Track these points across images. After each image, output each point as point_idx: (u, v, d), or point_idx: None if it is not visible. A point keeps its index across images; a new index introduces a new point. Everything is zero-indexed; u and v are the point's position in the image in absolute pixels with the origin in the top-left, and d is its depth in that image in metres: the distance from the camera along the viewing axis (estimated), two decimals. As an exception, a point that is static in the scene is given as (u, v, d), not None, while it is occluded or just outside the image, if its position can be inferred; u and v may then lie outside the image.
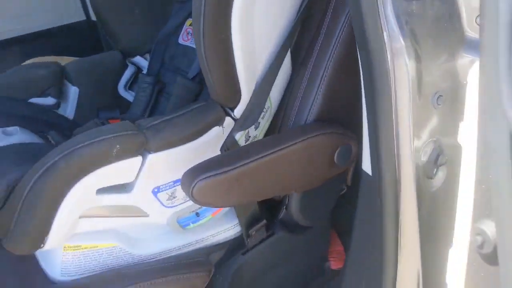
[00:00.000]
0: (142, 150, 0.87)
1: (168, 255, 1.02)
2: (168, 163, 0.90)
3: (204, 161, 0.87)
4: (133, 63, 1.29)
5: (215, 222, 1.07)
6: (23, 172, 0.82)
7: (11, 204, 0.81)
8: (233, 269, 1.09)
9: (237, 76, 0.87)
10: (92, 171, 0.81)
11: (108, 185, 0.86)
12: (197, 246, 1.06)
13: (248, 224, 1.07)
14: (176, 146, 0.89)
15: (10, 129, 0.99)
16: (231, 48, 0.83)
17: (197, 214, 1.04)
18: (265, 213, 1.09)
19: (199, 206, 1.03)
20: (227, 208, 1.07)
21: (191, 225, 1.03)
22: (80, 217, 0.88)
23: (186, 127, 0.88)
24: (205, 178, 0.83)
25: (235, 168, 0.86)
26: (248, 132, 0.99)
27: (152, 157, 0.87)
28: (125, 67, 1.28)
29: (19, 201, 0.79)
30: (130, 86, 1.29)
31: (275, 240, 1.13)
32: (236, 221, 1.07)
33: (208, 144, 0.93)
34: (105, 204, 0.89)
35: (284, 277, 1.19)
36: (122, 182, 0.87)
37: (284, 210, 1.10)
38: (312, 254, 1.24)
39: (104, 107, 1.22)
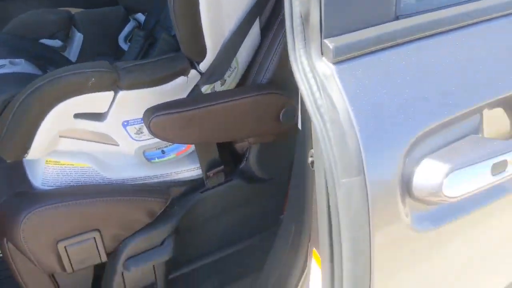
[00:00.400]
0: (115, 86, 1.04)
1: (135, 183, 1.20)
2: (137, 102, 1.07)
3: (165, 102, 1.04)
4: (135, 19, 1.46)
5: (179, 161, 1.24)
6: (18, 92, 1.01)
7: (5, 115, 1.01)
8: (190, 203, 1.26)
9: (202, 33, 1.03)
10: (70, 97, 0.99)
11: (84, 111, 1.04)
12: (161, 179, 1.23)
13: (208, 167, 1.24)
14: (143, 87, 1.06)
15: (16, 60, 1.18)
16: (197, 4, 0.98)
17: (163, 152, 1.21)
18: (228, 163, 1.25)
19: (166, 145, 1.20)
20: (190, 150, 1.23)
21: (156, 159, 1.21)
22: (60, 136, 1.07)
23: (153, 72, 1.05)
24: (161, 114, 1.00)
25: (189, 110, 1.02)
26: (214, 87, 1.15)
27: (122, 94, 1.05)
28: (127, 21, 1.45)
29: (10, 114, 0.99)
30: (130, 39, 1.46)
31: (232, 185, 1.29)
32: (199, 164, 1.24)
33: (173, 91, 1.09)
34: (81, 128, 1.07)
35: (238, 222, 1.36)
36: (96, 111, 1.05)
37: (244, 161, 1.26)
38: (268, 205, 1.39)
39: (103, 54, 1.39)
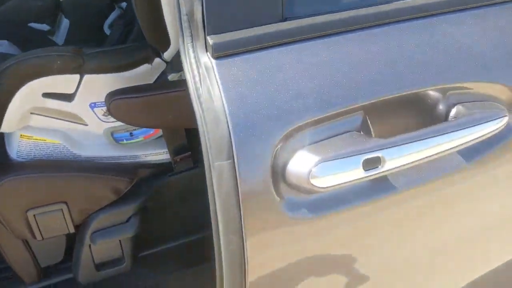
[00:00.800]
0: (81, 70, 1.11)
1: (103, 161, 1.28)
2: (102, 86, 1.15)
3: (127, 87, 1.11)
4: (120, 7, 1.54)
5: (147, 144, 1.32)
6: (-6, 71, 1.10)
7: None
8: (157, 184, 1.34)
9: (164, 22, 1.08)
10: (37, 77, 1.08)
11: (51, 91, 1.12)
12: (130, 160, 1.31)
13: (175, 152, 1.31)
14: (107, 72, 1.13)
15: (1, 42, 1.27)
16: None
17: (131, 134, 1.29)
18: (197, 149, 1.31)
19: (134, 128, 1.27)
20: (159, 135, 1.31)
21: (125, 141, 1.28)
22: (31, 113, 1.15)
23: (117, 58, 1.12)
24: (120, 98, 1.07)
25: (148, 95, 1.09)
26: (181, 75, 1.21)
27: (88, 77, 1.12)
28: (112, 9, 1.53)
29: (-16, 90, 1.07)
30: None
31: (199, 172, 1.35)
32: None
33: (138, 78, 1.16)
34: (50, 107, 1.15)
35: (204, 208, 1.43)
36: (63, 92, 1.13)
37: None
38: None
39: (88, 40, 1.47)
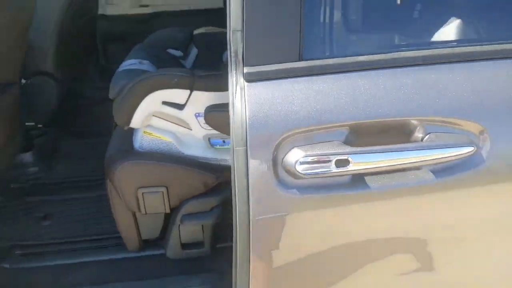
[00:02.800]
0: (191, 87, 1.57)
1: (200, 160, 1.72)
2: (205, 100, 1.60)
3: (221, 103, 1.53)
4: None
5: (236, 152, 1.73)
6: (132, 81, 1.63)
7: (120, 95, 1.62)
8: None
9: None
10: (160, 89, 1.57)
11: (168, 101, 1.60)
12: (220, 162, 1.73)
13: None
14: (210, 91, 1.57)
15: (144, 61, 1.82)
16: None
17: (224, 141, 1.71)
18: None
19: (227, 136, 1.70)
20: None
21: (218, 146, 1.72)
22: (153, 115, 1.64)
23: (218, 81, 1.56)
24: (213, 111, 1.51)
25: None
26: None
27: (195, 93, 1.59)
28: (230, 43, 2.01)
29: (123, 94, 1.59)
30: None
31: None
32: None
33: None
34: (167, 112, 1.63)
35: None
36: (177, 102, 1.61)
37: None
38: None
39: (209, 65, 1.96)
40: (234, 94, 0.95)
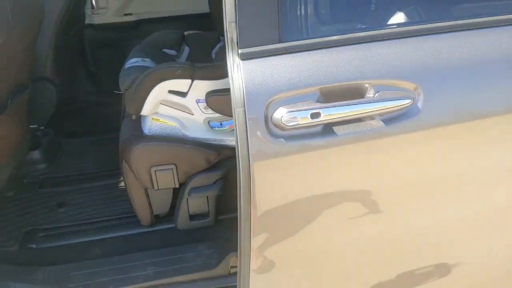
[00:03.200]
0: (192, 77, 1.92)
1: (201, 141, 2.06)
2: (205, 88, 1.94)
3: (220, 88, 1.88)
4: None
5: (232, 133, 2.07)
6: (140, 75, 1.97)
7: (131, 87, 1.96)
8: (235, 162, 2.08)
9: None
10: (166, 80, 1.92)
11: (173, 89, 1.94)
12: (219, 142, 2.07)
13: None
14: (209, 80, 1.92)
15: (146, 59, 2.18)
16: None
17: (221, 123, 2.06)
18: None
19: (224, 119, 2.04)
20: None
21: (217, 128, 2.06)
22: (160, 103, 1.98)
23: (215, 71, 1.92)
24: (214, 95, 1.85)
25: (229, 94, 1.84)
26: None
27: (196, 82, 1.95)
28: (218, 41, 2.36)
29: (134, 86, 1.93)
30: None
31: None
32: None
33: (226, 83, 1.93)
34: (172, 100, 1.98)
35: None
36: (180, 90, 1.96)
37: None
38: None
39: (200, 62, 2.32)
40: (232, 70, 1.29)
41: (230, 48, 1.34)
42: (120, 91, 2.10)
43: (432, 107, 1.36)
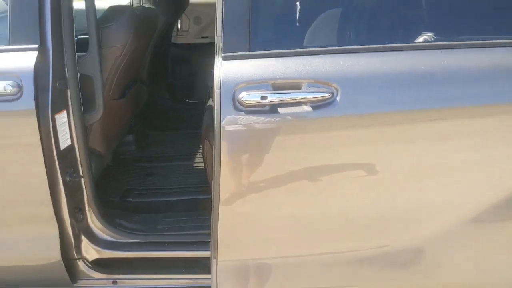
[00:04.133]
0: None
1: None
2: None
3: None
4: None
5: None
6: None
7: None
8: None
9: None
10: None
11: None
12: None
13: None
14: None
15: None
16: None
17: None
18: None
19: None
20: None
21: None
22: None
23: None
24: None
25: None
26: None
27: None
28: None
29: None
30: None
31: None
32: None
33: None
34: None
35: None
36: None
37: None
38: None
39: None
40: (217, 66, 2.06)
41: (217, 52, 2.11)
42: (189, 100, 2.94)
43: (346, 101, 2.05)
